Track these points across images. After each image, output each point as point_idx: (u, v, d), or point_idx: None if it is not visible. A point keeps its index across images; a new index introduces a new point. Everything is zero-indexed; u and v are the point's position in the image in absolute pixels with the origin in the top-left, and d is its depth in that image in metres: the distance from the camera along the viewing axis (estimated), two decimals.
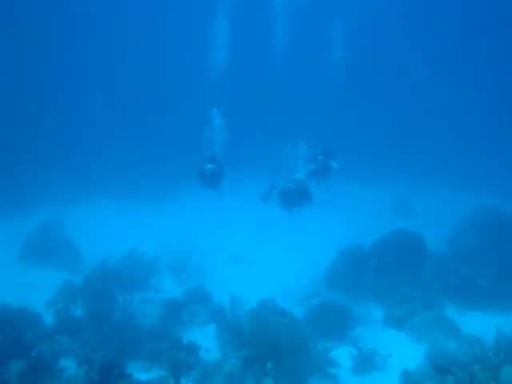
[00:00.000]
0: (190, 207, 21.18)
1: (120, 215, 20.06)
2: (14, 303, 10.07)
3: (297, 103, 36.52)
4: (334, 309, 10.85)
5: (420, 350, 9.71)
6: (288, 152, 12.53)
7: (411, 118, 40.09)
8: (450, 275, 12.80)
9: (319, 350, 9.08)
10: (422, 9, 40.71)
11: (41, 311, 10.72)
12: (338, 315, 10.70)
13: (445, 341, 9.83)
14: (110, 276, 12.01)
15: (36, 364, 8.00)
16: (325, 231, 18.81)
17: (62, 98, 34.79)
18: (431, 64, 44.23)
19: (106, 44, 39.93)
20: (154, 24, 41.36)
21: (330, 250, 14.61)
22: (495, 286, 12.15)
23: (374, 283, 12.84)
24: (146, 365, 9.13)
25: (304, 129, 13.54)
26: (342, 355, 9.42)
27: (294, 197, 12.25)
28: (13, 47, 35.50)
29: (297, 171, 12.53)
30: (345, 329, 10.54)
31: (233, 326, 9.86)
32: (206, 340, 10.22)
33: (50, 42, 37.34)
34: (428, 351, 9.42)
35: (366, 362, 9.14)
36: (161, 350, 9.18)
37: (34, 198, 20.40)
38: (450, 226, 17.42)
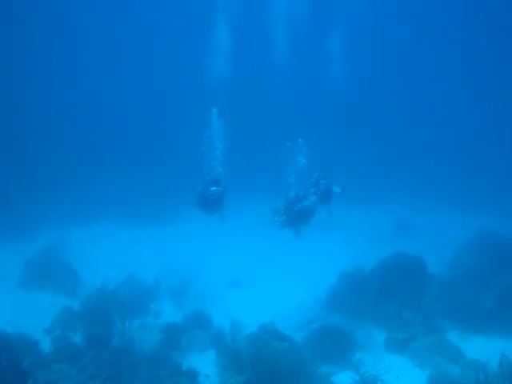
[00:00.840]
0: (189, 232, 21.13)
1: (120, 240, 19.99)
2: (13, 329, 10.03)
3: (296, 121, 36.65)
4: (335, 333, 10.76)
5: (422, 376, 9.59)
6: (289, 149, 12.52)
7: (410, 139, 40.22)
8: (451, 299, 12.69)
9: (320, 374, 8.95)
10: (423, 19, 41.07)
11: (39, 338, 10.67)
12: (340, 339, 10.60)
13: (447, 366, 9.70)
14: (109, 301, 11.91)
15: None
16: (325, 255, 18.74)
17: (62, 123, 35.04)
18: (431, 83, 44.56)
19: (109, 64, 40.46)
20: (155, 37, 41.78)
21: (331, 274, 14.54)
22: (497, 310, 12.02)
23: (375, 307, 12.72)
24: None
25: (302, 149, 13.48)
26: (344, 380, 9.29)
27: (303, 217, 12.22)
28: (13, 64, 35.95)
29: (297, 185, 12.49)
30: (346, 353, 10.41)
31: (232, 350, 9.75)
32: (205, 366, 10.10)
33: (52, 60, 37.88)
34: (430, 377, 9.29)
35: None
36: (160, 376, 9.05)
37: (34, 223, 20.41)
38: (451, 249, 17.35)
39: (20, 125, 30.97)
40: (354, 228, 23.25)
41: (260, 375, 7.89)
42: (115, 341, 10.70)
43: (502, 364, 7.95)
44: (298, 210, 12.14)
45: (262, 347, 8.38)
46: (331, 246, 20.09)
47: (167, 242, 19.74)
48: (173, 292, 14.71)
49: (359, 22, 37.55)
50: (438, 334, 11.24)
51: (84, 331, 10.77)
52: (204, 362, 10.34)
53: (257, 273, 16.80)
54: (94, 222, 21.84)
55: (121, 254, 17.58)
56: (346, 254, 18.18)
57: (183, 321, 12.13)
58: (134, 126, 36.91)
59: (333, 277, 14.35)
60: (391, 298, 12.87)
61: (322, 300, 13.65)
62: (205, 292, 14.70)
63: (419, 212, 26.05)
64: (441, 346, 10.60)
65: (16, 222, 19.49)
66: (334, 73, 33.96)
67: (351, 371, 9.62)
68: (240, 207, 21.35)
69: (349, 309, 12.70)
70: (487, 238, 17.17)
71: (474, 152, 36.92)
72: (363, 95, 42.92)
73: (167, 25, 41.40)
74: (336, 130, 36.95)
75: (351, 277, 14.03)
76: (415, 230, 23.37)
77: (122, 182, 25.57)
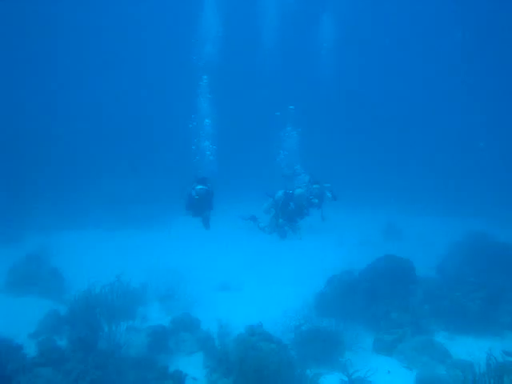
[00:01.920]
0: (177, 236, 21.04)
1: (107, 245, 19.85)
2: None
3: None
4: (324, 335, 10.70)
5: (410, 376, 9.57)
6: (278, 117, 12.27)
7: (399, 142, 40.37)
8: (439, 300, 12.73)
9: (308, 376, 8.90)
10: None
11: (24, 342, 10.48)
12: (328, 341, 10.54)
13: (435, 366, 9.70)
14: (96, 304, 11.79)
15: None
16: (315, 257, 18.75)
17: (48, 129, 34.73)
18: (420, 83, 44.59)
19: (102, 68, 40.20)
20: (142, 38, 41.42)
21: (321, 277, 14.51)
22: (484, 311, 12.07)
23: (363, 309, 12.70)
24: None
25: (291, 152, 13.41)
26: (332, 381, 9.25)
27: (300, 211, 12.01)
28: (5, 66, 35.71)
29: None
30: (334, 355, 10.36)
31: (220, 353, 9.67)
32: (193, 368, 10.03)
33: (42, 62, 37.61)
34: (418, 377, 9.27)
35: None
36: (146, 378, 8.95)
37: (21, 227, 20.20)
38: (440, 252, 17.45)
39: (6, 130, 30.61)
40: (343, 231, 23.31)
41: (247, 376, 7.82)
42: (101, 344, 10.56)
43: (489, 363, 7.96)
44: (292, 208, 12.01)
45: (249, 349, 8.32)
46: (321, 249, 20.11)
47: (155, 247, 19.64)
48: (160, 295, 14.60)
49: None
50: (425, 335, 11.25)
51: (70, 335, 10.61)
52: (192, 365, 10.27)
53: (245, 276, 16.72)
54: (80, 227, 21.68)
55: (108, 258, 17.43)
56: (336, 257, 18.20)
57: (171, 324, 11.99)
58: (119, 131, 36.65)
59: (322, 279, 14.33)
60: (380, 300, 12.85)
61: (311, 302, 13.61)
62: (193, 295, 14.60)
63: (409, 215, 26.20)
64: (429, 346, 10.59)
65: (1, 228, 19.23)
66: (323, 67, 33.76)
67: (339, 372, 9.56)
68: (228, 209, 21.32)
69: (337, 311, 12.62)
70: (475, 241, 17.34)
71: (462, 156, 37.21)
72: (352, 94, 42.87)
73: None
74: (325, 130, 36.80)
75: (340, 279, 14.00)
76: (404, 233, 23.51)
77: (109, 187, 25.40)
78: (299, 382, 8.48)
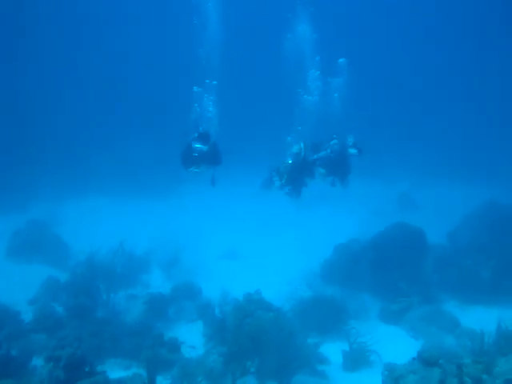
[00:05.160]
0: (184, 203, 20.70)
1: (111, 213, 19.56)
2: None
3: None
4: (327, 302, 10.38)
5: (416, 346, 9.15)
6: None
7: (414, 112, 39.31)
8: (449, 268, 12.25)
9: (308, 345, 8.58)
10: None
11: (23, 309, 10.34)
12: (331, 309, 10.23)
13: (442, 335, 9.33)
14: (96, 272, 11.61)
15: (5, 363, 7.55)
16: (325, 226, 18.31)
17: (55, 96, 34.36)
18: (431, 55, 43.33)
19: (104, 37, 39.47)
20: (151, 18, 40.70)
21: (330, 246, 14.06)
22: (495, 280, 11.60)
23: (371, 277, 12.27)
24: (125, 363, 8.70)
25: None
26: (333, 351, 8.93)
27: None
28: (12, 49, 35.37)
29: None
30: (338, 323, 10.03)
31: (219, 321, 9.39)
32: (192, 336, 9.79)
33: (46, 40, 37.06)
34: (424, 346, 8.87)
35: (357, 358, 8.62)
36: (141, 346, 8.72)
37: (25, 195, 20.00)
38: (453, 221, 16.85)
39: (12, 101, 30.33)
40: (355, 200, 22.69)
41: (242, 345, 7.51)
42: (100, 312, 10.37)
43: (499, 332, 7.54)
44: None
45: (246, 317, 7.98)
46: (331, 218, 19.65)
47: (161, 215, 19.32)
48: (164, 263, 14.38)
49: None
50: (434, 304, 10.90)
51: (67, 301, 10.42)
52: (191, 333, 10.03)
53: (252, 244, 16.37)
54: (84, 194, 21.39)
55: (111, 226, 17.12)
56: (346, 226, 17.74)
57: (172, 291, 11.76)
58: (124, 100, 36.08)
59: (330, 248, 13.90)
60: (388, 268, 12.40)
61: (317, 271, 13.24)
62: (197, 264, 14.36)
63: (422, 185, 25.50)
64: (437, 316, 10.25)
65: (7, 194, 19.04)
66: None
67: (342, 341, 9.22)
68: (238, 176, 20.88)
69: (343, 279, 12.27)
70: (489, 209, 16.63)
71: (476, 124, 36.15)
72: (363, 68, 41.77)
73: None
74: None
75: (347, 247, 13.59)
76: (419, 203, 22.87)
77: (114, 155, 25.05)
78: (299, 352, 8.14)
